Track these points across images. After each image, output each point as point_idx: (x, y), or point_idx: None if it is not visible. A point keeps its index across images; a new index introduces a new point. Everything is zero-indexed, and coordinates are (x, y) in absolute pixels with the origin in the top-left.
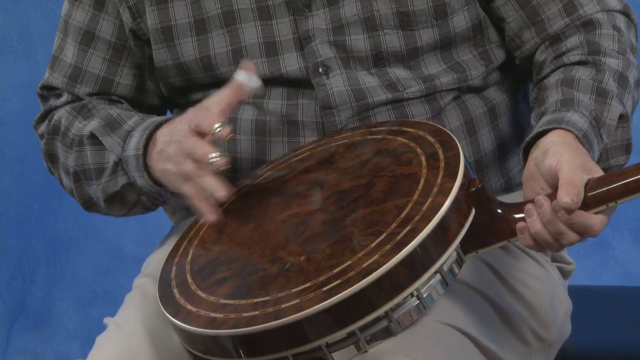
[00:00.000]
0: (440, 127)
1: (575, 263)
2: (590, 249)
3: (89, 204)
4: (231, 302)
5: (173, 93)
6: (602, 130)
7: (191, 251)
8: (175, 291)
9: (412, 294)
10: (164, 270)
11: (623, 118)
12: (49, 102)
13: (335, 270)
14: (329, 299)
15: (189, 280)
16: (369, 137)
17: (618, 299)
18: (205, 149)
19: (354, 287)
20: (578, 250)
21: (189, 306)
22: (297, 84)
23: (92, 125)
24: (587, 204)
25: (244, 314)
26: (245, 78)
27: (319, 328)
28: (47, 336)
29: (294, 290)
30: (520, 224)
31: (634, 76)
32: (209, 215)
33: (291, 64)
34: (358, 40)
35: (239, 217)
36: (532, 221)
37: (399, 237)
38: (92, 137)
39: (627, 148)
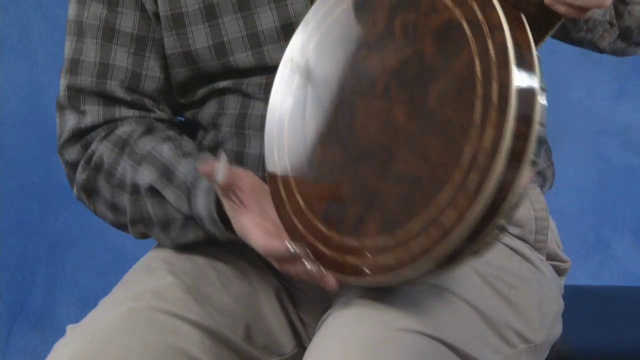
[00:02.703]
0: None
1: (576, 263)
2: (590, 249)
3: (144, 237)
4: (390, 238)
5: (176, 89)
6: None
7: (299, 198)
8: (320, 247)
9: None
10: (289, 230)
11: None
12: (70, 118)
13: (463, 161)
14: (483, 197)
15: (325, 231)
16: None
17: (618, 299)
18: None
19: (496, 171)
20: (578, 250)
21: (349, 258)
22: None
23: (147, 175)
24: None
25: (414, 249)
26: (224, 176)
27: (484, 225)
28: (47, 336)
29: (440, 200)
30: None
31: None
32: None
33: None
34: None
35: (312, 143)
36: None
37: (495, 100)
38: (151, 189)
39: None
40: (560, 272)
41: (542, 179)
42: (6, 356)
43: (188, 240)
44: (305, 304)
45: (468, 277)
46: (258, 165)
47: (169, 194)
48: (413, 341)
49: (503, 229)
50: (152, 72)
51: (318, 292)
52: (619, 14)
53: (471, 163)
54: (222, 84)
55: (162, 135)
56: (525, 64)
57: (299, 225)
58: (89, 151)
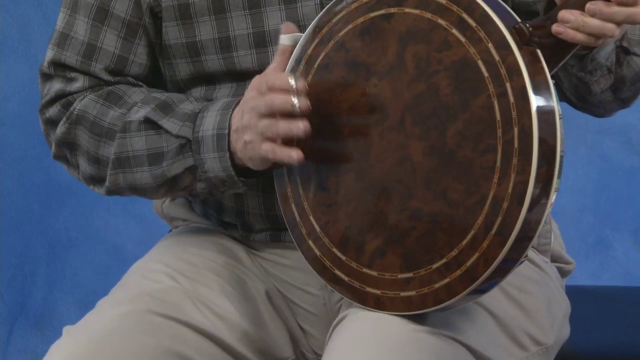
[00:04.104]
0: None
1: (576, 263)
2: (590, 249)
3: (117, 191)
4: (411, 275)
5: (173, 84)
6: None
7: (313, 221)
8: (337, 272)
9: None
10: (304, 251)
11: None
12: (56, 84)
13: (486, 207)
14: (507, 241)
15: (342, 257)
16: (372, 14)
17: (618, 299)
18: (282, 78)
19: (519, 217)
20: (578, 250)
21: (370, 289)
22: None
23: (144, 110)
24: None
25: (436, 285)
26: (291, 40)
27: (508, 265)
28: (47, 336)
29: (464, 243)
30: (554, 28)
31: None
32: (293, 155)
33: None
34: None
35: (329, 168)
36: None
37: (516, 144)
38: (147, 122)
39: None
40: (563, 273)
41: None
42: (6, 356)
43: (178, 172)
44: (308, 317)
45: None
46: (258, 185)
47: (167, 123)
48: (434, 342)
49: (525, 257)
50: (139, 59)
51: (322, 306)
52: (619, 62)
53: (495, 208)
54: (222, 93)
55: (156, 90)
56: (544, 101)
57: (314, 248)
58: (71, 108)
